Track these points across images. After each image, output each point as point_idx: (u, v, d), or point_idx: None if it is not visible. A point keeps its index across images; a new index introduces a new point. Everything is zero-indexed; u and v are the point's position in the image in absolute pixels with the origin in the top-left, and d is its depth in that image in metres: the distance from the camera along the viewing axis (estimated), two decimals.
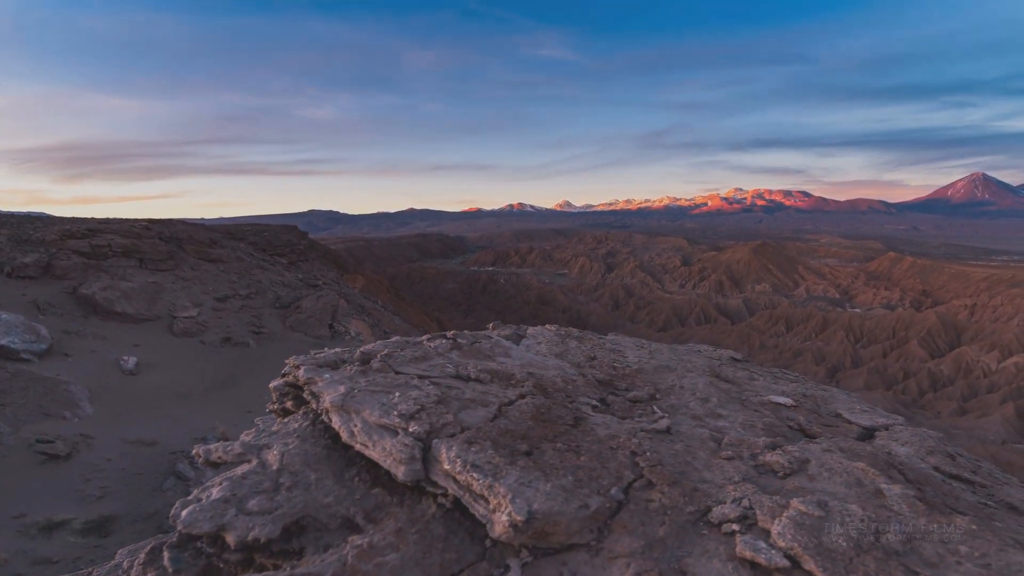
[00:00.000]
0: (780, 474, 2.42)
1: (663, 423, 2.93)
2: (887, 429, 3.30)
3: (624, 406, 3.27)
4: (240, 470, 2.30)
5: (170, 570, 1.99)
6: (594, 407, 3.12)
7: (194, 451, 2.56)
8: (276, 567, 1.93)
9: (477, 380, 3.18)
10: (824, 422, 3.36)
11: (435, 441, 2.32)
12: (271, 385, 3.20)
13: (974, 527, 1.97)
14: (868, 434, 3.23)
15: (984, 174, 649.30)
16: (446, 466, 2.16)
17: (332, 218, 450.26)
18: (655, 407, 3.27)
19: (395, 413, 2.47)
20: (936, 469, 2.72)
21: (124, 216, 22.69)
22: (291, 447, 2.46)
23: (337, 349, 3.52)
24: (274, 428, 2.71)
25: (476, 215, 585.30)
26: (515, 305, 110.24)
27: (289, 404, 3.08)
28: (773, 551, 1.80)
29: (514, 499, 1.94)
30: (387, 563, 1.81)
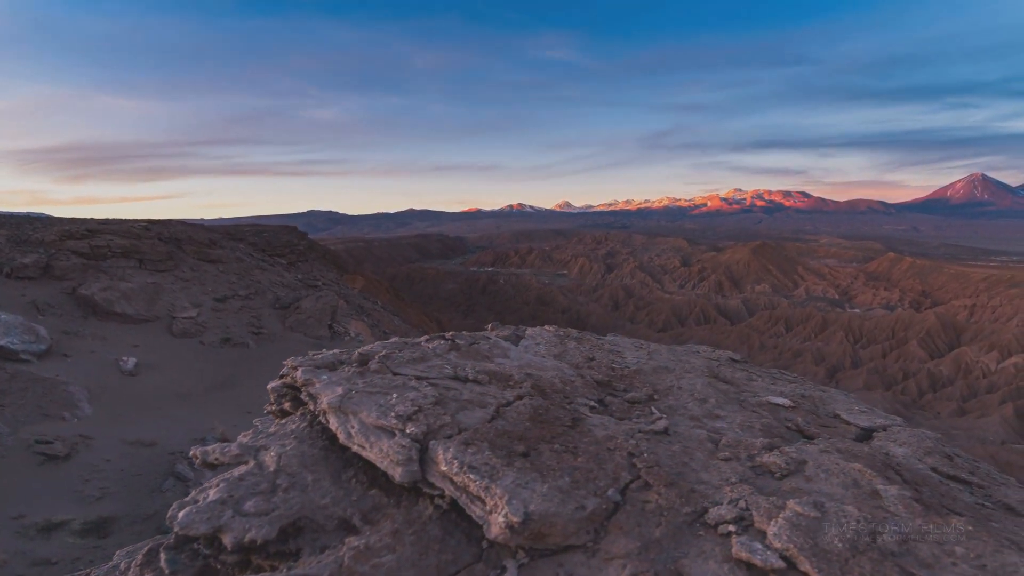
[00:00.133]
0: (777, 475, 2.42)
1: (661, 424, 2.93)
2: (885, 430, 3.30)
3: (622, 407, 3.27)
4: (237, 471, 2.30)
5: (167, 572, 1.99)
6: (592, 408, 3.12)
7: (191, 452, 2.56)
8: (273, 568, 1.93)
9: (475, 381, 3.18)
10: (822, 423, 3.36)
11: (432, 442, 2.32)
12: (269, 386, 3.20)
13: (970, 528, 1.98)
14: (866, 435, 3.23)
15: (983, 175, 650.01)
16: (443, 467, 2.16)
17: (332, 218, 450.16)
18: (653, 408, 3.27)
19: (392, 414, 2.47)
20: (934, 470, 2.73)
21: (124, 217, 22.66)
22: (288, 448, 2.46)
23: (335, 350, 3.52)
24: (271, 429, 2.71)
25: (476, 216, 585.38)
26: (515, 306, 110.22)
27: (287, 405, 3.07)
28: (769, 552, 1.80)
29: (511, 500, 1.94)
30: (383, 564, 1.81)
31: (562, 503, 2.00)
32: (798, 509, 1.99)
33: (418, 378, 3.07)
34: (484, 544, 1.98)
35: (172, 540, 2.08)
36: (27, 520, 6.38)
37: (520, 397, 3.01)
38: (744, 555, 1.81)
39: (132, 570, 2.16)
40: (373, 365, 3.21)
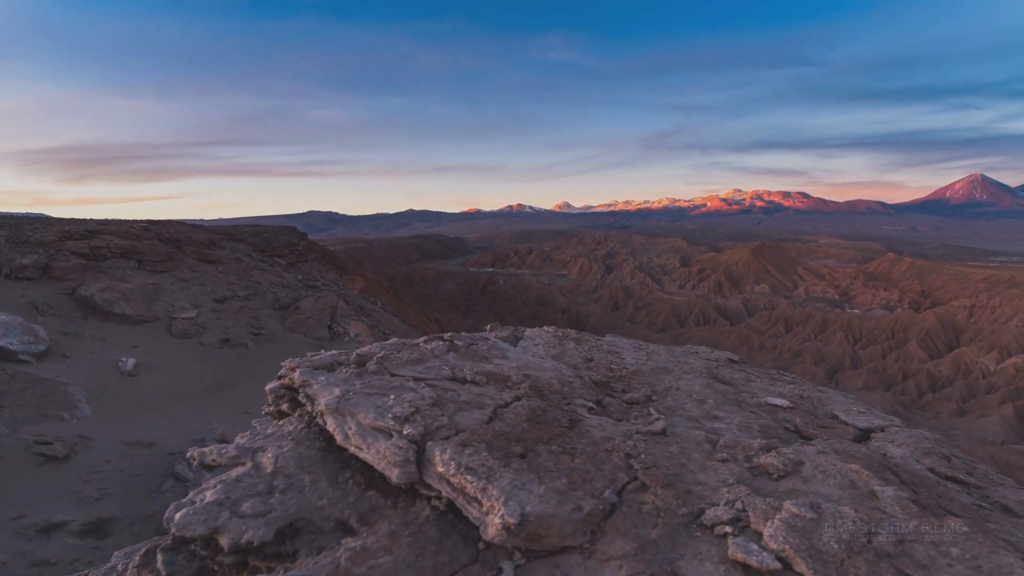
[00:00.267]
0: (774, 476, 2.43)
1: (659, 425, 2.93)
2: (883, 431, 3.30)
3: (620, 408, 3.27)
4: (234, 473, 2.30)
5: (163, 573, 1.99)
6: (590, 409, 3.13)
7: (188, 454, 2.56)
8: (270, 570, 1.93)
9: (473, 382, 3.18)
10: (820, 424, 3.37)
11: (429, 444, 2.32)
12: (267, 387, 3.20)
13: (967, 529, 1.98)
14: (864, 436, 3.24)
15: (983, 175, 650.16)
16: (440, 468, 2.16)
17: (331, 219, 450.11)
18: (651, 409, 3.28)
19: (390, 416, 2.47)
20: (931, 471, 2.73)
21: (124, 217, 22.67)
22: (285, 450, 2.47)
23: (333, 351, 3.52)
24: (269, 431, 2.72)
25: (475, 216, 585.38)
26: (514, 306, 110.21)
27: (285, 406, 3.08)
28: (765, 553, 1.80)
29: (507, 501, 1.94)
30: (380, 566, 1.81)
31: (559, 504, 2.00)
32: (794, 510, 2.00)
33: (416, 379, 3.08)
34: (481, 545, 1.98)
35: (169, 541, 2.08)
36: (26, 521, 6.37)
37: (518, 398, 3.01)
38: (740, 556, 1.81)
39: (129, 571, 2.16)
40: (371, 366, 3.21)
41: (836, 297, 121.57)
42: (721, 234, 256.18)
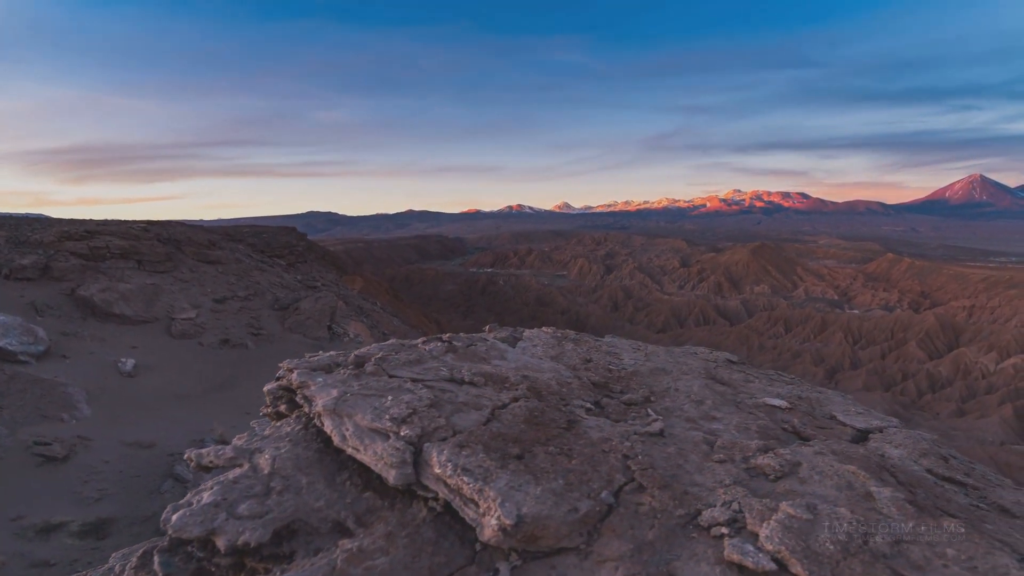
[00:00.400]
0: (771, 477, 2.43)
1: (656, 426, 2.94)
2: (881, 431, 3.31)
3: (618, 409, 3.28)
4: (231, 474, 2.30)
5: (160, 574, 1.99)
6: (588, 410, 3.13)
7: (186, 455, 2.56)
8: (267, 571, 1.93)
9: (471, 383, 3.18)
10: (818, 424, 3.37)
11: (426, 445, 2.32)
12: (265, 388, 3.20)
13: (963, 530, 1.98)
14: (862, 436, 3.24)
15: (982, 175, 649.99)
16: (437, 470, 2.16)
17: (331, 219, 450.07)
18: (649, 410, 3.28)
19: (387, 417, 2.47)
20: (929, 471, 2.73)
21: (124, 218, 22.67)
22: (283, 451, 2.47)
23: (331, 352, 3.52)
24: (267, 432, 2.72)
25: (475, 216, 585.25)
26: (514, 306, 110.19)
27: (283, 408, 3.08)
28: (760, 554, 1.81)
29: (503, 503, 1.95)
30: (376, 567, 1.81)
31: (555, 505, 2.00)
32: (791, 511, 2.00)
33: (414, 380, 3.08)
34: (477, 546, 1.98)
35: (166, 543, 2.08)
36: (26, 521, 6.37)
37: (516, 399, 3.01)
38: (736, 557, 1.82)
39: (126, 573, 2.16)
40: (369, 367, 3.21)
41: (836, 297, 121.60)
42: (721, 234, 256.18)
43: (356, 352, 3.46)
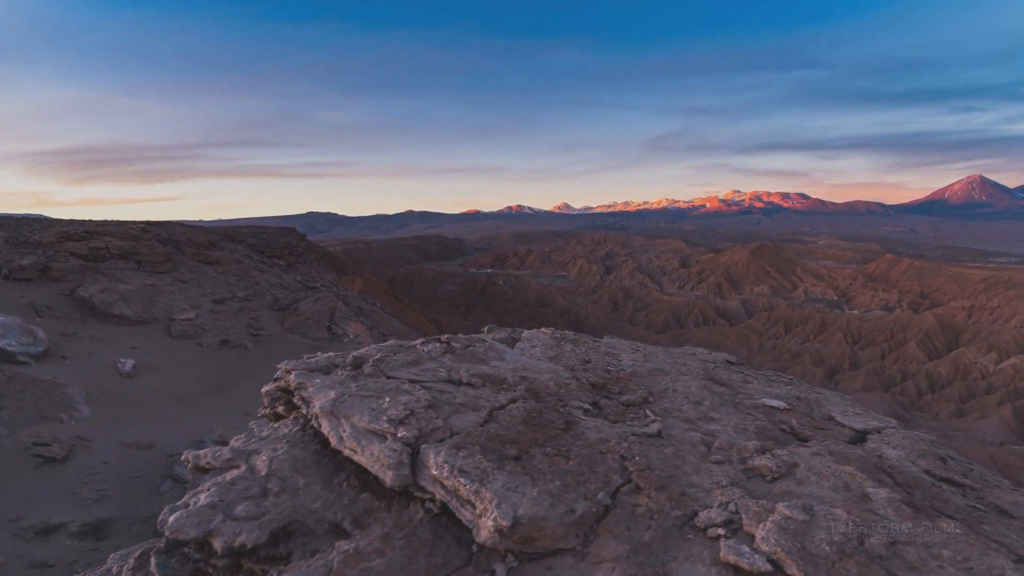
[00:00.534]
0: (768, 478, 2.43)
1: (654, 427, 2.94)
2: (879, 432, 3.31)
3: (617, 410, 3.28)
4: (229, 476, 2.30)
5: None
6: (586, 411, 3.13)
7: (183, 456, 2.56)
8: (263, 572, 1.93)
9: (469, 384, 3.19)
10: (816, 425, 3.38)
11: (424, 446, 2.32)
12: (263, 390, 3.20)
13: (959, 531, 1.99)
14: (860, 437, 3.24)
15: (982, 176, 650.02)
16: (434, 471, 2.16)
17: (331, 220, 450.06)
18: (647, 411, 3.28)
19: (384, 418, 2.48)
20: (927, 472, 2.74)
21: (124, 218, 22.67)
22: (280, 452, 2.47)
23: (330, 354, 3.52)
24: (264, 433, 2.72)
25: (475, 217, 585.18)
26: (514, 307, 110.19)
27: (281, 409, 3.08)
28: (756, 555, 1.81)
29: (500, 504, 1.95)
30: (373, 568, 1.81)
31: (551, 507, 2.00)
32: (787, 512, 2.00)
33: (412, 381, 3.08)
34: (474, 548, 1.99)
35: (163, 544, 2.08)
36: (25, 522, 6.37)
37: (514, 400, 3.01)
38: (732, 558, 1.82)
39: (124, 574, 2.17)
40: (367, 369, 3.21)
41: (835, 298, 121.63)
42: (720, 235, 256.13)
43: (354, 353, 3.46)
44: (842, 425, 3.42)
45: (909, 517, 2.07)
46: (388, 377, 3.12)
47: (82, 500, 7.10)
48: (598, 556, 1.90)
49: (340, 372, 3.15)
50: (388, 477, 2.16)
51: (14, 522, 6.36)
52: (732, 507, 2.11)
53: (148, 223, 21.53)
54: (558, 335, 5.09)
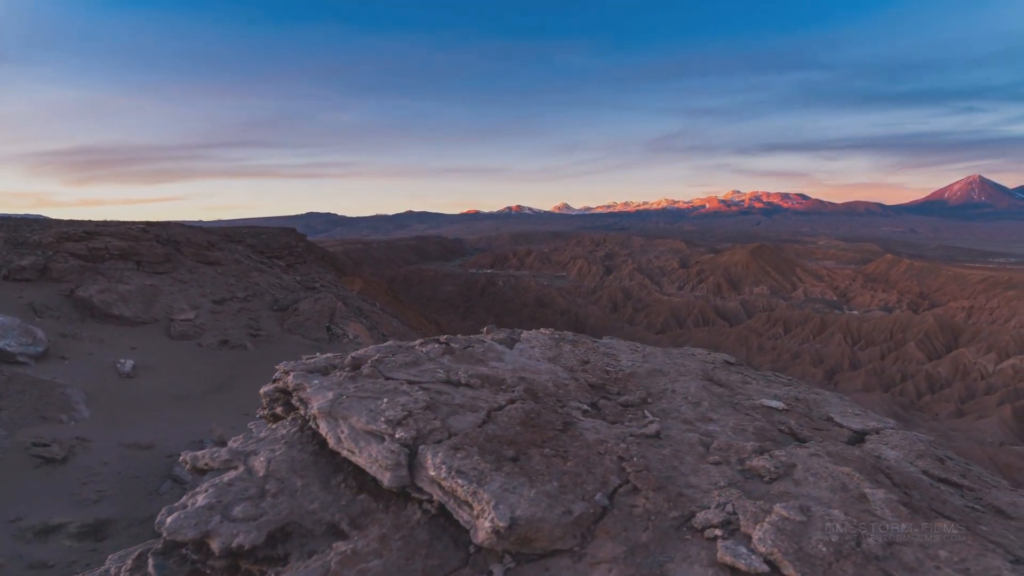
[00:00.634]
0: (766, 479, 2.43)
1: (652, 428, 2.94)
2: (878, 433, 3.31)
3: (615, 410, 3.28)
4: (226, 477, 2.30)
5: None
6: (584, 412, 3.13)
7: (181, 457, 2.56)
8: (261, 573, 1.94)
9: (467, 385, 3.19)
10: (815, 426, 3.38)
11: (421, 447, 2.32)
12: (262, 391, 3.20)
13: (956, 531, 1.99)
14: (858, 438, 3.25)
15: (981, 176, 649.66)
16: (431, 472, 2.16)
17: (330, 220, 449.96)
18: (646, 411, 3.28)
19: (382, 419, 2.48)
20: (925, 473, 2.74)
21: (124, 219, 22.67)
22: (278, 453, 2.47)
23: (328, 354, 3.52)
24: (262, 434, 2.72)
25: (474, 217, 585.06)
26: (513, 307, 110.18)
27: (279, 410, 3.08)
28: (753, 556, 1.81)
29: (497, 505, 1.95)
30: (370, 569, 1.82)
31: (549, 508, 2.01)
32: (784, 513, 2.00)
33: (410, 382, 3.08)
34: (471, 549, 1.99)
35: (160, 545, 2.09)
36: (24, 523, 6.37)
37: (512, 401, 3.01)
38: (729, 559, 1.82)
39: (122, 575, 2.17)
40: (365, 369, 3.21)
41: (835, 298, 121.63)
42: (720, 235, 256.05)
43: (352, 354, 3.46)
44: (840, 426, 3.43)
45: (906, 518, 2.07)
46: (386, 378, 3.12)
47: (81, 501, 7.10)
48: (595, 557, 1.90)
49: (338, 373, 3.15)
50: (386, 478, 2.16)
51: (13, 523, 6.36)
52: (729, 508, 2.11)
53: (147, 223, 21.52)
54: (557, 336, 5.09)
